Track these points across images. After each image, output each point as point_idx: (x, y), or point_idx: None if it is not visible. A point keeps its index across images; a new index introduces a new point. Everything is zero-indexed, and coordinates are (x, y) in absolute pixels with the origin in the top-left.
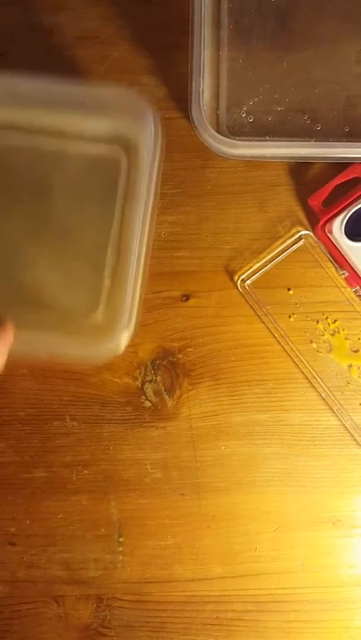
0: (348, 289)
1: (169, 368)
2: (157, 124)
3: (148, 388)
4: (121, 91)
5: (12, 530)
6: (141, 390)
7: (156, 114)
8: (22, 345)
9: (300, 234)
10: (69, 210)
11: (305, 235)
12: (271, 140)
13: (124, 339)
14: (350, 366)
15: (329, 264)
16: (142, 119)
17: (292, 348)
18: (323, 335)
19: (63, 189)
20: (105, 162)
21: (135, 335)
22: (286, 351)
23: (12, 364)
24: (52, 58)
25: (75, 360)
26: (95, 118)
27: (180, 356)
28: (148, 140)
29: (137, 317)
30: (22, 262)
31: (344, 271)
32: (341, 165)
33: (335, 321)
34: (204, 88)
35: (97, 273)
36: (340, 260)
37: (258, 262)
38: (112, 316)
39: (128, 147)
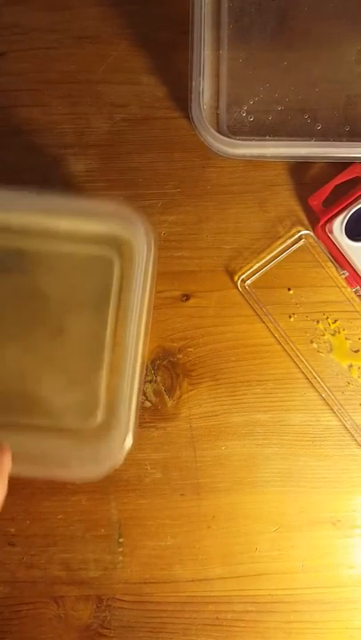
0: (349, 289)
1: (169, 368)
2: (148, 229)
3: (149, 389)
4: (111, 203)
5: (12, 530)
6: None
7: (147, 221)
8: (21, 464)
9: (300, 234)
10: (62, 310)
11: (305, 235)
12: (271, 140)
13: (126, 445)
14: (351, 366)
15: (329, 264)
16: (133, 224)
17: (292, 348)
18: (323, 335)
19: (55, 289)
20: (97, 262)
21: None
22: (286, 351)
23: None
24: (51, 58)
25: (75, 480)
26: (86, 223)
27: (180, 356)
28: (141, 242)
29: (136, 420)
30: (14, 366)
31: (344, 271)
32: (342, 165)
33: (336, 321)
34: (204, 87)
35: (93, 375)
36: (340, 260)
37: (258, 262)
38: (111, 422)
39: (120, 247)
